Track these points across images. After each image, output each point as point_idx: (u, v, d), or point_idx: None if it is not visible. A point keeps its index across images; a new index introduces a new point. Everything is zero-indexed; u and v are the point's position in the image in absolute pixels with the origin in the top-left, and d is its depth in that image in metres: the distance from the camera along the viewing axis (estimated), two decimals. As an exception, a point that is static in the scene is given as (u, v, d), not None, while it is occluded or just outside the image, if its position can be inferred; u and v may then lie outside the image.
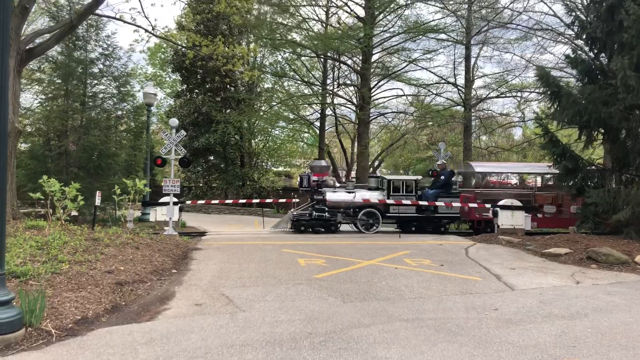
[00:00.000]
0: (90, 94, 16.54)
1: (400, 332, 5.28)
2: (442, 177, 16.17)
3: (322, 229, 15.18)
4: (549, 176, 18.71)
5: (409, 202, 15.42)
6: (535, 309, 6.38)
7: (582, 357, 4.65)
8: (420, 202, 15.42)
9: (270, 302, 6.43)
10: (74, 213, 10.94)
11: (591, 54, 15.04)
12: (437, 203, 15.56)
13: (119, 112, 17.70)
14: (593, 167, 14.63)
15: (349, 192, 15.66)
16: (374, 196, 15.63)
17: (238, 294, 6.89)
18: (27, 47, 12.80)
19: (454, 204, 15.56)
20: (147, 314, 5.85)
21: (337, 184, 16.28)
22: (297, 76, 28.62)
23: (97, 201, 12.05)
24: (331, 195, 15.40)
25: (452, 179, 16.32)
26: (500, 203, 15.44)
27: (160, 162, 14.37)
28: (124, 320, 5.60)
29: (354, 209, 15.53)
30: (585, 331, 5.45)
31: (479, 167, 17.40)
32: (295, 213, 15.72)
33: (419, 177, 16.67)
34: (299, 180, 16.25)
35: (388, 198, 15.47)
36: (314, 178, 15.59)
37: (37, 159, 15.06)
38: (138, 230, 11.98)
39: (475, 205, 16.13)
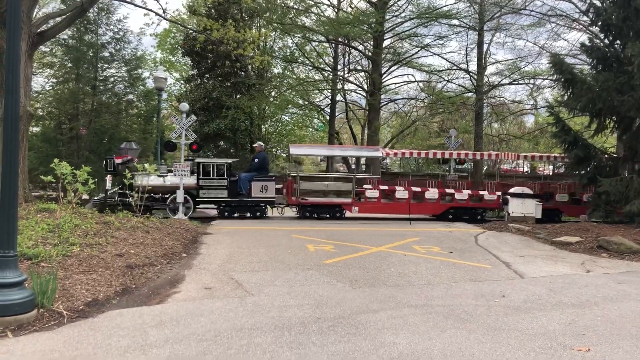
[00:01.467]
0: (101, 78, 16.61)
1: (409, 318, 5.28)
2: (257, 160, 15.72)
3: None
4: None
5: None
6: (544, 297, 6.35)
7: (591, 345, 4.63)
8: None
9: (279, 287, 6.46)
10: (85, 196, 11.01)
11: (606, 41, 14.78)
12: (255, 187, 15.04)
13: (130, 96, 17.74)
14: (606, 156, 14.48)
15: (160, 176, 14.67)
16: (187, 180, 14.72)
17: (247, 278, 6.93)
18: (39, 31, 12.80)
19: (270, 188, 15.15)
20: (157, 297, 5.89)
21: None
22: (307, 61, 28.42)
23: (108, 185, 12.11)
24: (139, 179, 14.28)
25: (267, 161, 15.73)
26: (511, 191, 15.33)
27: (170, 146, 14.34)
28: (134, 302, 5.65)
29: (163, 194, 14.65)
30: (595, 320, 5.42)
31: (294, 149, 17.52)
32: (96, 198, 14.76)
33: (230, 161, 15.88)
34: (104, 163, 14.97)
35: (198, 182, 14.68)
36: (118, 161, 14.44)
37: (48, 142, 15.17)
38: (148, 214, 12.06)
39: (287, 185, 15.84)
